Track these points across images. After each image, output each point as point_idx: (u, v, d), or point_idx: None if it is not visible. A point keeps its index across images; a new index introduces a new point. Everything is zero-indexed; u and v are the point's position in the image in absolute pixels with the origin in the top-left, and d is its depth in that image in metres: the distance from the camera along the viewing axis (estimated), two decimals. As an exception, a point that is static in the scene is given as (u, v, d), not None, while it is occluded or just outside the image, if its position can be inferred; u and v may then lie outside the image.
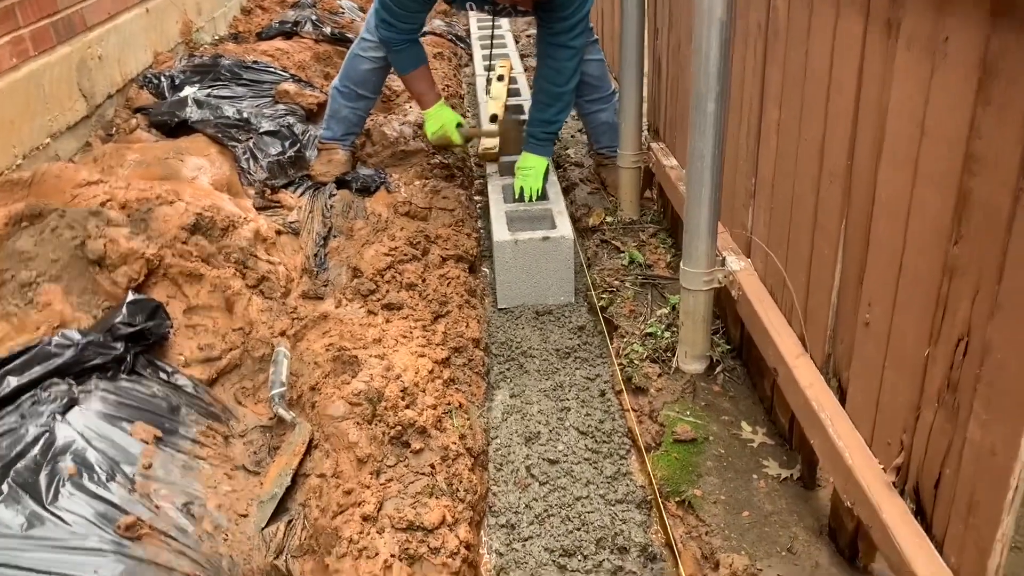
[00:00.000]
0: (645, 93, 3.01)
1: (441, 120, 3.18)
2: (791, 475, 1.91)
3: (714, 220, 2.04)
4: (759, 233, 2.06)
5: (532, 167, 3.00)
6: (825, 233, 1.69)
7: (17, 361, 1.85)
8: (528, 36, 5.97)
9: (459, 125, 3.23)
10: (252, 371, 2.23)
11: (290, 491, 1.84)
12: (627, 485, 2.08)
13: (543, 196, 3.01)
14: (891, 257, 1.41)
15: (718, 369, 2.24)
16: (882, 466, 1.50)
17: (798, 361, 1.79)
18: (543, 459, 2.17)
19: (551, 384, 2.46)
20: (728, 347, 2.30)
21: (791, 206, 1.85)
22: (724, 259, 2.14)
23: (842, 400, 1.67)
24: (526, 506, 2.03)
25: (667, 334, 2.36)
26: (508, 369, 2.54)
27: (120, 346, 2.00)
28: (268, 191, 3.05)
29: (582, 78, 3.18)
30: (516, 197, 3.00)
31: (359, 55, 3.33)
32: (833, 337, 1.71)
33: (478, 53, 5.06)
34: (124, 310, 2.08)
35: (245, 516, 1.77)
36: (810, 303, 1.80)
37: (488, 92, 4.01)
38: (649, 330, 2.39)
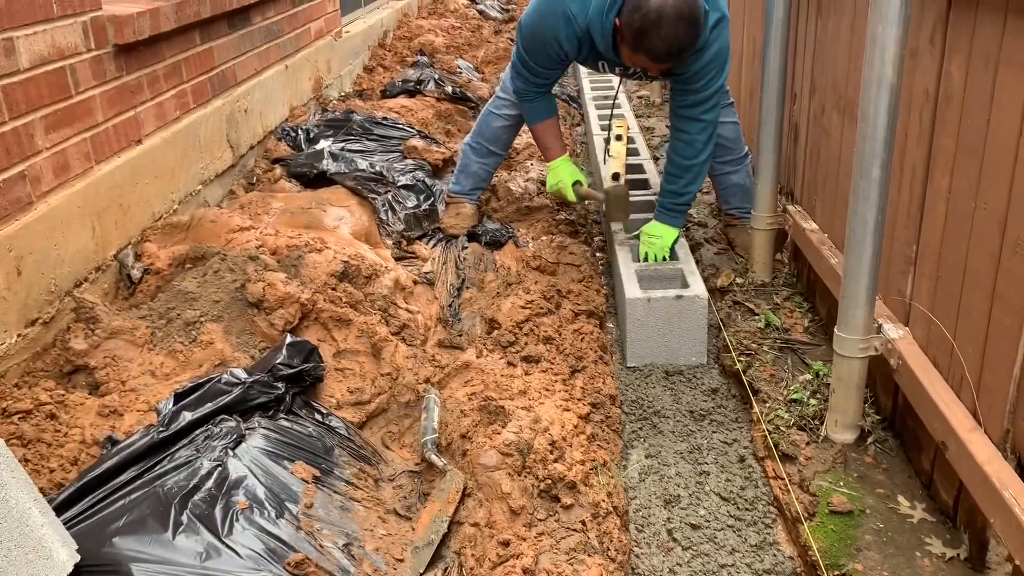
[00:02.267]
0: (778, 156, 3.00)
1: (560, 175, 3.24)
2: (957, 555, 1.83)
3: (874, 286, 2.00)
4: (921, 301, 2.01)
5: (660, 236, 2.98)
6: (1006, 304, 1.64)
7: (191, 396, 1.93)
8: (640, 97, 6.05)
9: (577, 183, 3.27)
10: (398, 416, 2.28)
11: (444, 539, 1.85)
12: (774, 555, 2.02)
13: (672, 257, 3.01)
14: (1096, 332, 1.36)
15: (870, 440, 2.17)
16: (1080, 552, 1.42)
17: (972, 435, 1.73)
18: (685, 523, 2.14)
19: (687, 446, 2.42)
20: (879, 417, 2.24)
21: (962, 275, 1.80)
22: (880, 326, 2.10)
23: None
24: (670, 571, 2.00)
25: (813, 401, 2.31)
26: (641, 428, 2.52)
27: (281, 386, 2.07)
28: (404, 242, 3.14)
29: (716, 140, 3.20)
30: (640, 259, 3.01)
31: (493, 112, 3.44)
32: (1014, 412, 1.64)
33: (593, 112, 5.15)
34: (284, 351, 2.16)
35: (401, 561, 1.79)
36: (985, 375, 1.74)
37: (608, 152, 4.06)
38: (794, 396, 2.35)
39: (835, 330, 2.10)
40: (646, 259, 2.98)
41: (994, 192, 1.66)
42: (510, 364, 2.43)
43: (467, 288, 3.02)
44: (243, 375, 2.03)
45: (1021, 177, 1.57)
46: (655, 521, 2.15)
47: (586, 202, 3.64)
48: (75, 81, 2.48)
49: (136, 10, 2.76)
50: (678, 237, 3.03)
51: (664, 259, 2.97)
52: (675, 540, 2.08)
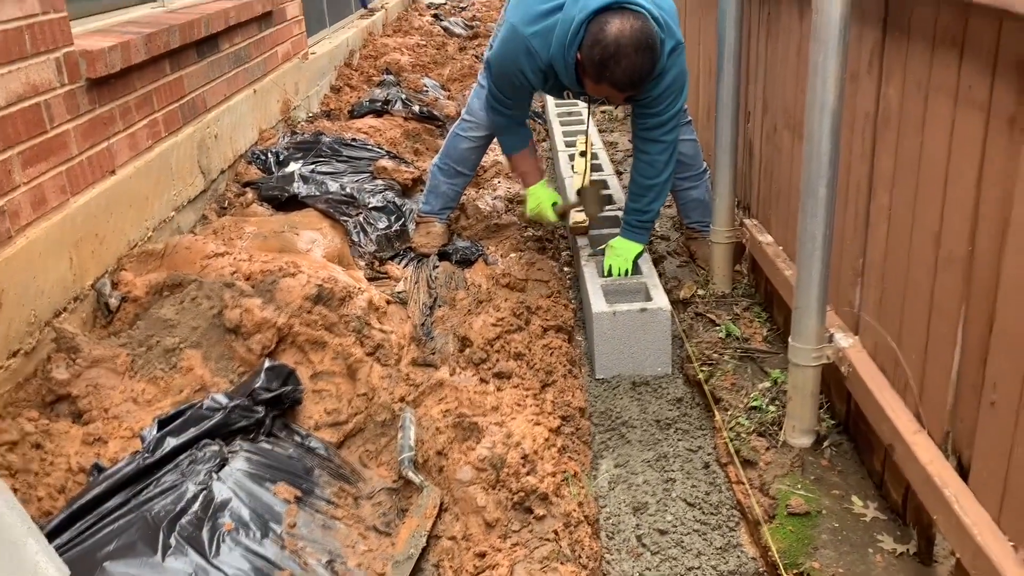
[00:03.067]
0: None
1: (539, 199, 3.34)
2: (907, 550, 1.95)
3: (824, 298, 2.12)
4: (868, 311, 2.13)
5: (624, 249, 3.10)
6: (943, 314, 1.76)
7: (175, 423, 2.00)
8: (603, 112, 6.17)
9: (555, 204, 3.38)
10: (375, 435, 2.35)
11: (422, 552, 1.93)
12: (738, 557, 2.13)
13: (636, 271, 3.12)
14: (1018, 341, 1.48)
15: (825, 444, 2.29)
16: (1012, 543, 1.54)
17: (915, 437, 1.85)
18: (653, 529, 2.23)
19: (654, 455, 2.53)
20: (833, 422, 2.36)
21: (904, 287, 1.93)
22: (832, 336, 2.22)
23: (964, 476, 1.72)
24: (639, 575, 2.09)
25: (772, 408, 2.43)
26: (610, 439, 2.62)
27: (261, 410, 2.14)
28: (376, 262, 3.22)
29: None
30: (604, 274, 3.11)
31: (460, 135, 3.53)
32: (953, 415, 1.76)
33: (557, 129, 5.26)
34: (263, 376, 2.22)
35: (382, 575, 1.87)
36: (927, 381, 1.86)
37: (572, 168, 4.17)
38: (754, 404, 2.46)
39: (789, 340, 2.22)
40: (610, 273, 3.09)
41: (930, 209, 1.78)
42: (483, 381, 2.51)
43: (439, 306, 3.11)
44: (224, 400, 2.10)
45: (952, 196, 1.69)
46: (624, 528, 2.24)
47: (568, 221, 3.72)
48: (50, 116, 2.53)
49: (107, 44, 2.82)
50: (641, 252, 3.14)
51: (627, 273, 3.08)
52: (644, 546, 2.18)
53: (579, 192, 3.66)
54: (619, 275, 3.07)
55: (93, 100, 2.78)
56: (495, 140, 3.49)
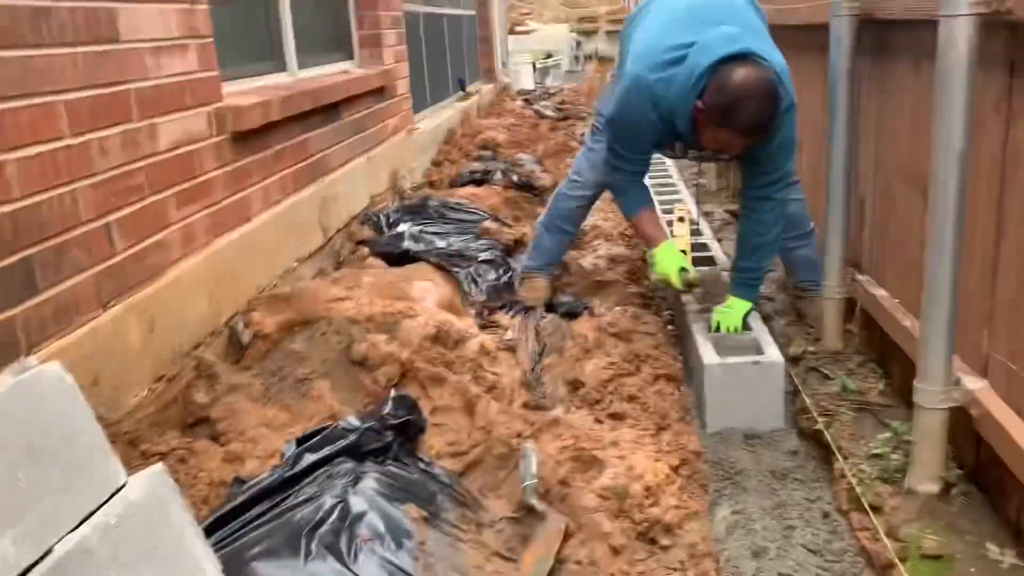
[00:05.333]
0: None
1: (666, 263, 3.25)
2: (1052, 598, 1.87)
3: (952, 338, 2.11)
4: (1001, 352, 2.10)
5: (732, 307, 3.10)
6: (1086, 347, 1.74)
7: (313, 440, 2.09)
8: (695, 185, 6.26)
9: (683, 269, 3.29)
10: (493, 468, 2.40)
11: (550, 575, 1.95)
12: (865, 603, 2.07)
13: (745, 328, 3.12)
14: None
15: (953, 491, 2.23)
16: None
17: (1060, 476, 1.80)
18: (775, 573, 2.19)
19: (771, 503, 2.49)
20: (959, 470, 2.30)
21: (1039, 324, 1.91)
22: (959, 379, 2.19)
23: (1116, 515, 1.66)
24: (764, 616, 2.05)
25: (895, 456, 2.38)
26: (725, 488, 2.59)
27: (389, 435, 2.22)
28: (486, 312, 3.32)
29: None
30: (713, 330, 3.10)
31: (566, 194, 3.66)
32: (1100, 450, 1.72)
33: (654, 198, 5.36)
34: (390, 404, 2.32)
35: (510, 596, 1.89)
36: (1069, 418, 1.82)
37: (672, 233, 4.24)
38: (876, 451, 2.42)
39: (915, 383, 2.20)
40: (718, 329, 3.10)
41: (1066, 243, 1.78)
42: (597, 420, 2.55)
43: (547, 355, 3.17)
44: (357, 422, 2.19)
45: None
46: (744, 571, 2.21)
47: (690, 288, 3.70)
48: (200, 163, 2.76)
49: (250, 102, 3.06)
50: (751, 310, 3.15)
51: (737, 330, 3.09)
52: (766, 588, 2.14)
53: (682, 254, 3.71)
54: (729, 331, 3.08)
55: (236, 152, 3.01)
56: (597, 200, 3.58)
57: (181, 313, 2.57)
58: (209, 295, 2.75)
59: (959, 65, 1.96)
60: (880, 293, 2.88)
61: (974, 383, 2.17)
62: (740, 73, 2.62)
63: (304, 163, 3.66)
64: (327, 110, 3.96)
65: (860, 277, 3.06)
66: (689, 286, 3.41)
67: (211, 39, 2.86)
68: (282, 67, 4.00)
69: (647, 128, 2.93)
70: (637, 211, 3.25)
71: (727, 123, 2.68)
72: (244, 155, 3.08)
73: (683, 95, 2.76)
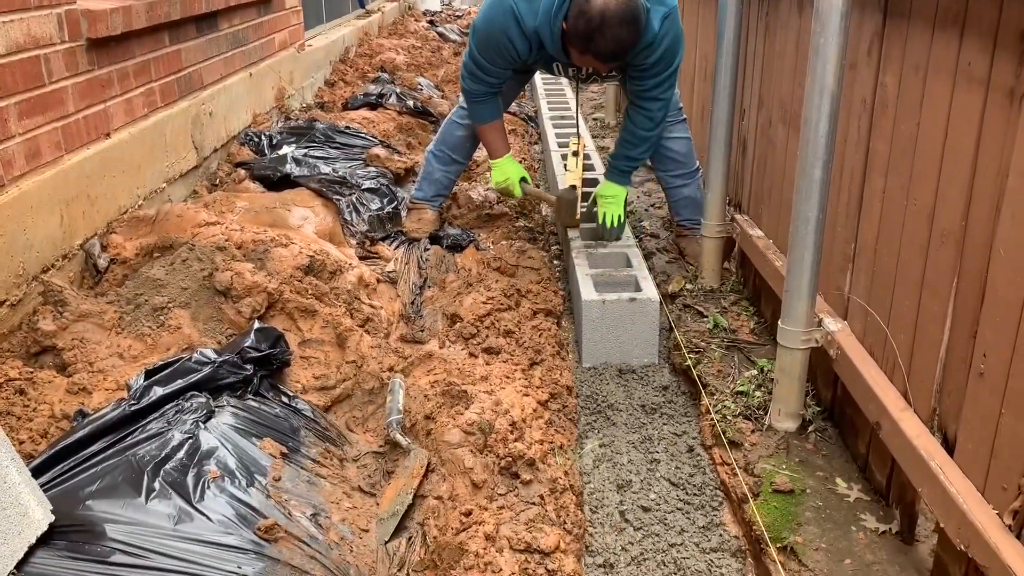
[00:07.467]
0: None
1: (507, 172, 3.37)
2: (890, 529, 1.96)
3: (815, 281, 2.14)
4: (859, 295, 2.15)
5: (613, 195, 3.25)
6: (934, 291, 1.78)
7: (163, 373, 1.98)
8: (595, 119, 6.23)
9: (523, 180, 3.42)
10: (362, 402, 2.34)
11: (408, 511, 1.92)
12: (720, 535, 2.13)
13: (626, 264, 3.14)
14: (1009, 307, 1.50)
15: (810, 428, 2.31)
16: (997, 511, 1.55)
17: (903, 415, 1.86)
18: (636, 506, 2.23)
19: (639, 437, 2.53)
20: (819, 408, 2.37)
21: (895, 268, 1.95)
22: (821, 320, 2.24)
23: (949, 451, 1.74)
24: (622, 548, 2.09)
25: (758, 393, 2.44)
26: (595, 420, 2.62)
27: (249, 368, 2.13)
28: (368, 242, 3.22)
29: (669, 155, 3.36)
30: (600, 223, 3.26)
31: (456, 122, 3.55)
32: (940, 391, 1.78)
33: (550, 131, 5.30)
34: (252, 336, 2.21)
35: (367, 531, 1.86)
36: (915, 360, 1.88)
37: (565, 167, 4.20)
38: (740, 389, 2.47)
39: (779, 323, 2.24)
40: (604, 222, 3.22)
41: (925, 189, 1.81)
42: (471, 355, 2.51)
43: (429, 287, 3.11)
44: (212, 355, 2.08)
45: (947, 172, 1.72)
46: (608, 504, 2.24)
47: (541, 205, 3.79)
48: (48, 71, 2.52)
49: (109, 6, 2.81)
50: (626, 196, 3.29)
51: (620, 219, 3.23)
52: (627, 521, 2.18)
53: (558, 194, 3.68)
54: (614, 223, 3.20)
55: (92, 61, 2.77)
56: None
57: (26, 234, 2.37)
58: (60, 215, 2.55)
59: (835, 5, 1.94)
60: (756, 233, 2.92)
61: (834, 324, 2.23)
62: None
63: (175, 76, 3.42)
64: (203, 19, 3.70)
65: (739, 217, 3.09)
66: (527, 196, 3.57)
67: (62, -68, 2.59)
68: (153, -30, 3.70)
69: (507, 45, 2.93)
70: (486, 121, 3.30)
71: (587, 49, 2.70)
72: (103, 64, 2.84)
73: (548, 17, 2.76)
